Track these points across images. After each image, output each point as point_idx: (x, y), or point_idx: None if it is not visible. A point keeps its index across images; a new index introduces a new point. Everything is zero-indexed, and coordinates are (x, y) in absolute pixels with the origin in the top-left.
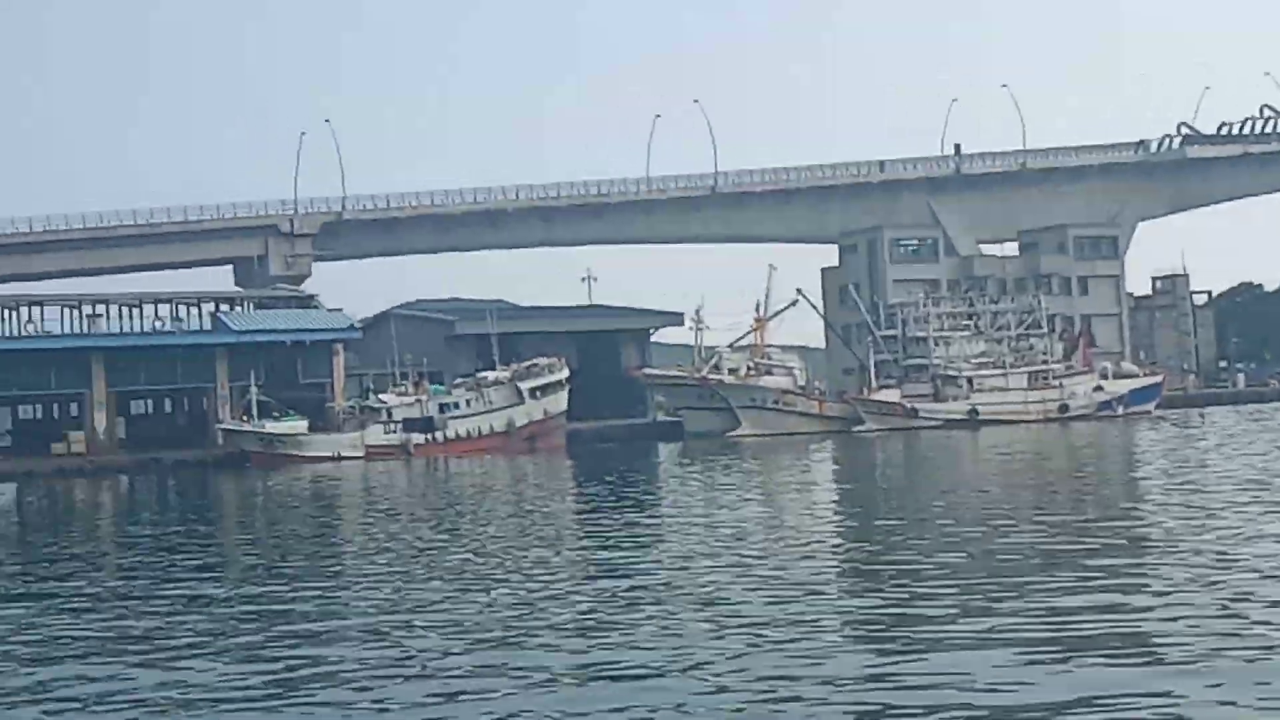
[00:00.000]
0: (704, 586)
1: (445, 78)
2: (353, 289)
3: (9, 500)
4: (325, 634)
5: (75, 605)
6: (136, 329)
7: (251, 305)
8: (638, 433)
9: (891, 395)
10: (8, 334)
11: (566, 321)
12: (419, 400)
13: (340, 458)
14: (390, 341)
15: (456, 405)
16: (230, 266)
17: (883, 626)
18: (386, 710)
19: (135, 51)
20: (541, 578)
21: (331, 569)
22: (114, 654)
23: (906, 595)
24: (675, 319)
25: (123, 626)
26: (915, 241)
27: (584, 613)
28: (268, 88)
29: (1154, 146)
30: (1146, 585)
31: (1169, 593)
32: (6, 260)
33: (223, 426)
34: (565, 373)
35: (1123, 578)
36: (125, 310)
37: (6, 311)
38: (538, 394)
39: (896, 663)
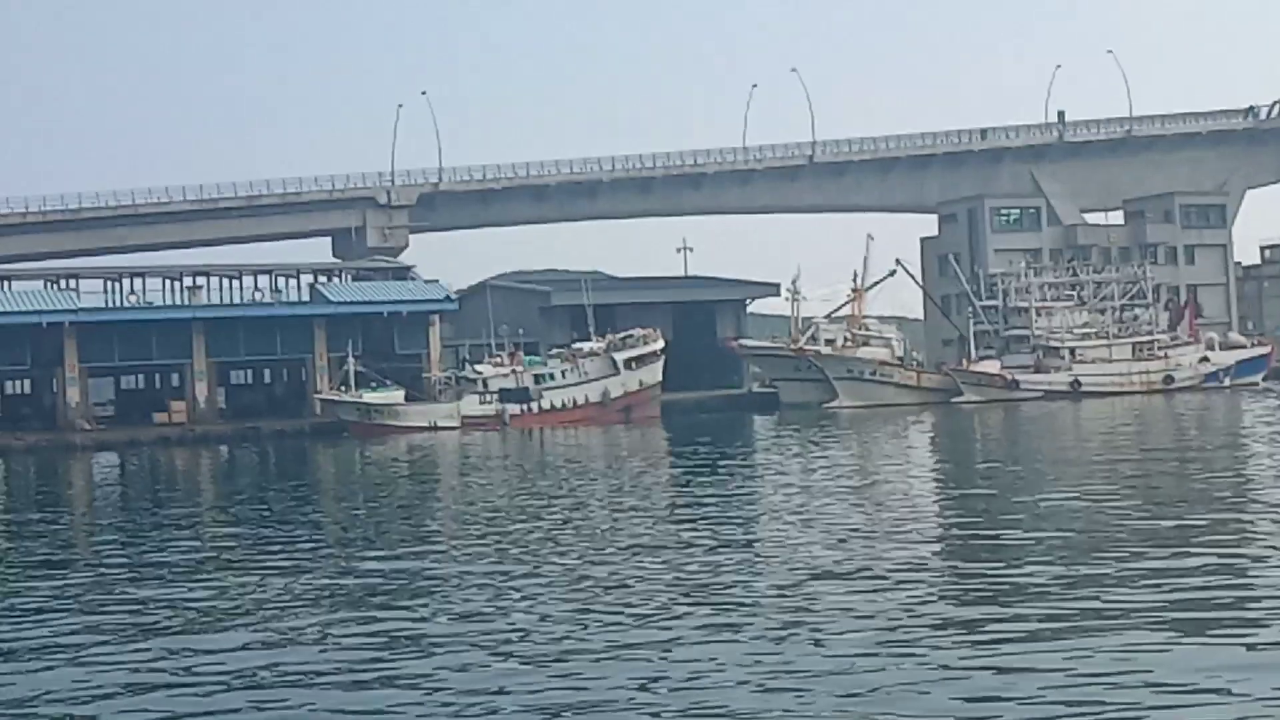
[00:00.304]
0: (799, 559)
1: (541, 48)
2: (449, 260)
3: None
4: (422, 604)
5: (174, 572)
6: (237, 300)
7: (349, 276)
8: (733, 404)
9: (991, 366)
10: (111, 305)
11: (662, 292)
12: (514, 371)
13: (436, 428)
14: (486, 312)
15: (552, 376)
16: (329, 238)
17: (983, 601)
18: (501, 680)
19: (234, 24)
20: (636, 547)
21: (428, 538)
22: (214, 623)
23: (1006, 569)
24: (771, 290)
25: (224, 593)
26: (1017, 210)
27: (673, 582)
28: (366, 60)
29: (1263, 113)
30: (1258, 558)
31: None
32: (111, 233)
33: (320, 396)
34: (660, 344)
35: (1229, 550)
36: (226, 282)
37: (110, 283)
38: (633, 365)
39: (998, 640)
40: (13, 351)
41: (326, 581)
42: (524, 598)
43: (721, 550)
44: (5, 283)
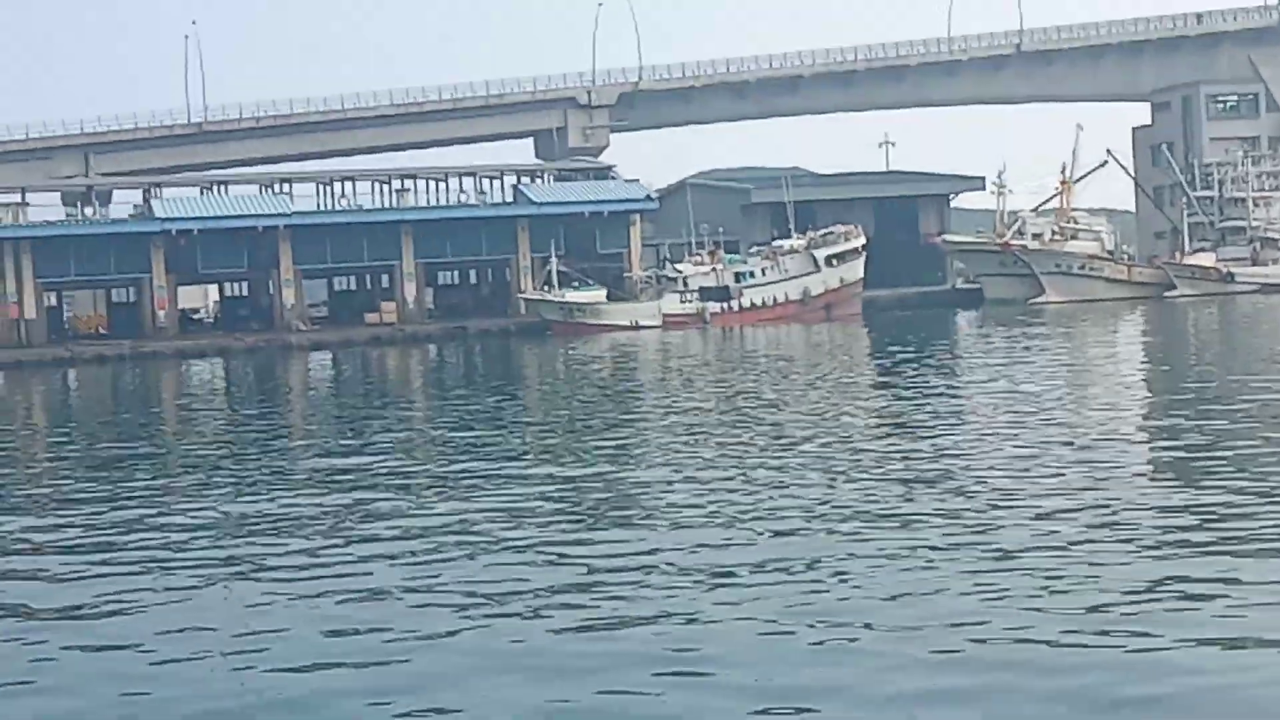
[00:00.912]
0: (1002, 470)
1: None
2: (649, 159)
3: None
4: (631, 512)
5: (388, 485)
6: (442, 202)
7: (551, 177)
8: (936, 300)
9: (1206, 259)
10: (323, 208)
11: (863, 188)
12: (715, 269)
13: (638, 326)
14: (686, 211)
15: (752, 274)
16: (531, 139)
17: (1202, 523)
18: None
19: None
20: (838, 456)
21: (633, 436)
22: (425, 530)
23: (1229, 486)
24: (976, 183)
25: (428, 496)
26: (1234, 97)
27: (870, 496)
28: None
29: None
30: None
31: None
32: (321, 137)
33: (524, 296)
34: (862, 240)
35: None
36: (432, 184)
37: (321, 187)
38: (834, 262)
39: (1215, 566)
40: (231, 255)
41: (530, 491)
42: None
43: (926, 459)
44: (223, 187)
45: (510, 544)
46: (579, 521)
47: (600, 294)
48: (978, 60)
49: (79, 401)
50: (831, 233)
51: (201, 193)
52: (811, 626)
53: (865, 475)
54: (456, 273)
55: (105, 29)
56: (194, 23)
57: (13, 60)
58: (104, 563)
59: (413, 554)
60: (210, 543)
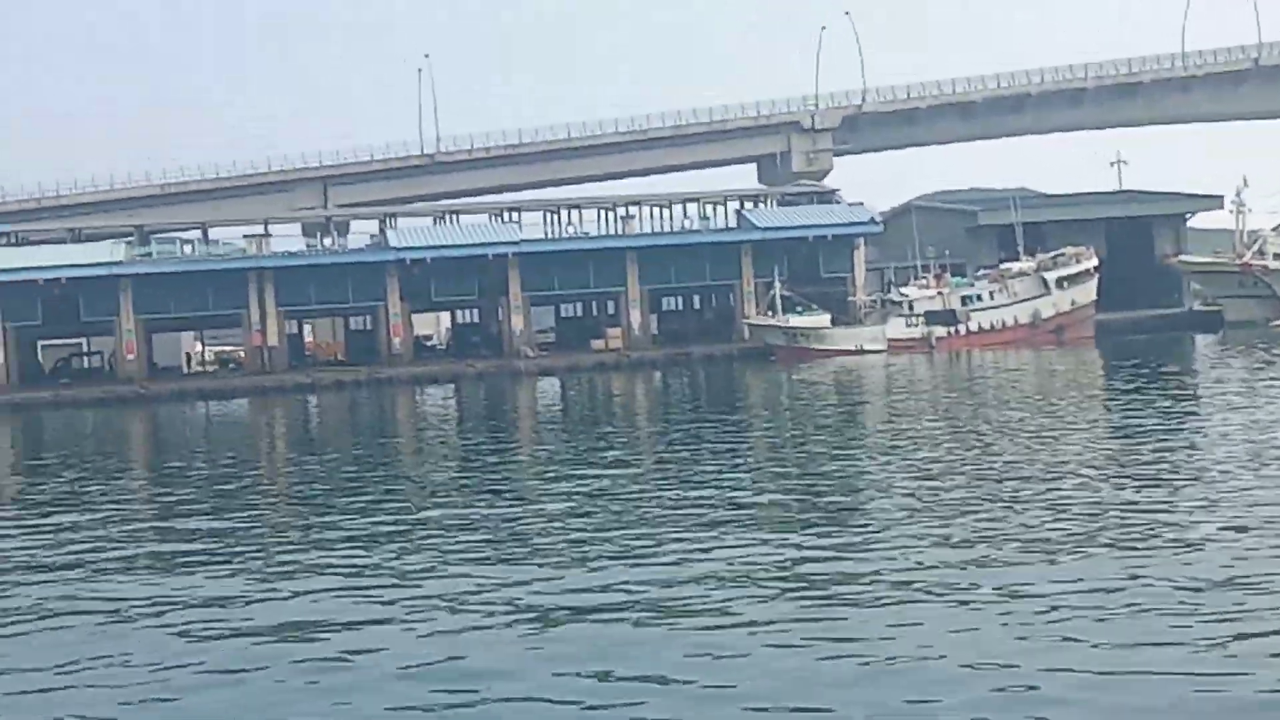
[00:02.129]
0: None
1: None
2: (873, 182)
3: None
4: (852, 537)
5: (615, 491)
6: (667, 228)
7: (774, 202)
8: (1172, 323)
9: None
10: (550, 236)
11: (1095, 208)
12: (941, 293)
13: (862, 351)
14: (911, 234)
15: (979, 297)
16: (754, 164)
17: None
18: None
19: None
20: (1067, 481)
21: (853, 460)
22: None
23: None
24: (1214, 202)
25: (643, 510)
26: None
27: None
28: None
29: None
30: None
31: None
32: (549, 166)
33: (748, 321)
34: (1094, 261)
35: None
36: (656, 210)
37: (549, 215)
38: (1064, 284)
39: None
40: (462, 282)
41: (748, 499)
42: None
43: (1164, 486)
44: (455, 217)
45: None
46: (803, 547)
47: (824, 319)
48: (1213, 76)
49: (319, 425)
50: (1062, 254)
51: (434, 222)
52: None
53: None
54: (680, 298)
55: (342, 65)
56: (426, 56)
57: (257, 97)
58: (346, 587)
59: (653, 565)
60: (464, 561)
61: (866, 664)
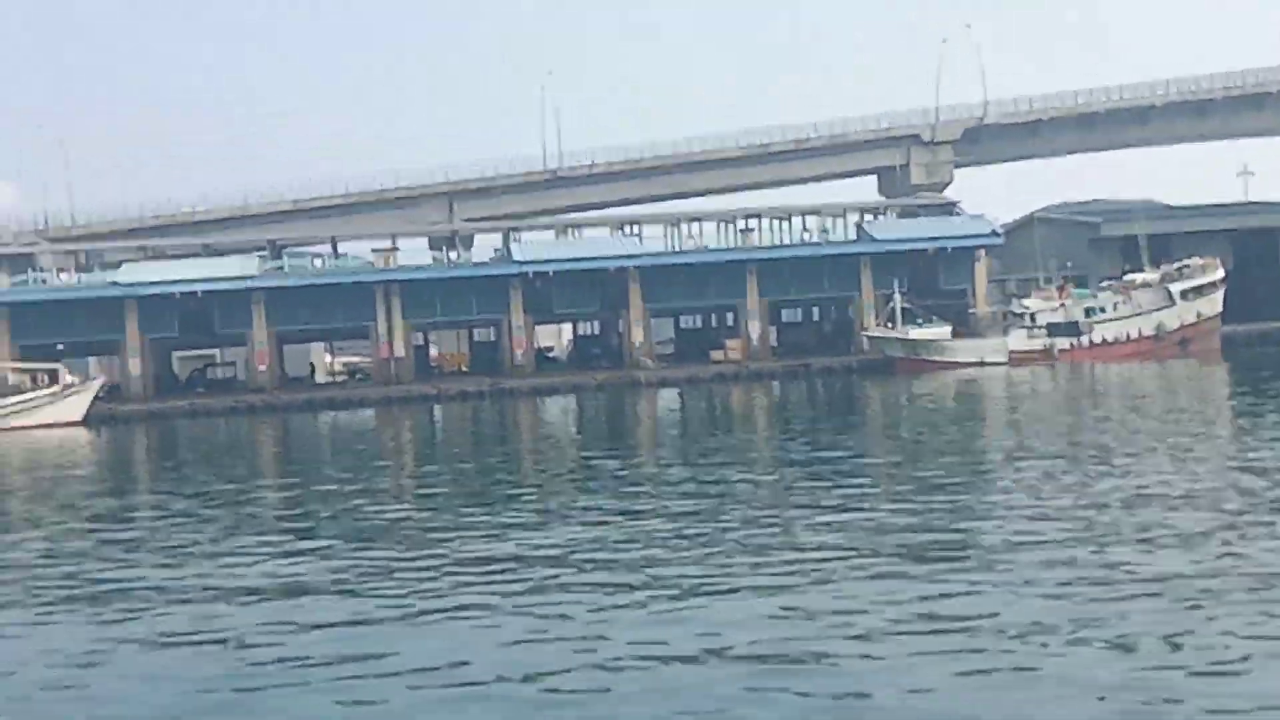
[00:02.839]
0: None
1: None
2: (994, 194)
3: (674, 400)
4: (968, 547)
5: (731, 498)
6: (786, 241)
7: (894, 214)
8: None
9: None
10: (671, 249)
11: (1221, 219)
12: (1063, 305)
13: (983, 363)
14: (1033, 245)
15: (1102, 309)
16: (874, 176)
17: None
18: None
19: None
20: (1202, 500)
21: (979, 475)
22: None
23: None
24: None
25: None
26: None
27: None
28: None
29: None
30: None
31: None
32: (669, 180)
33: (867, 333)
34: (1220, 273)
35: None
36: (776, 223)
37: (669, 228)
38: (1189, 296)
39: None
40: (584, 295)
41: (867, 518)
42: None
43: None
44: (577, 230)
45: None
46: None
47: (945, 331)
48: None
49: (444, 435)
50: (1187, 266)
51: (556, 235)
52: None
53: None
54: (800, 310)
55: (466, 79)
56: (550, 73)
57: (386, 113)
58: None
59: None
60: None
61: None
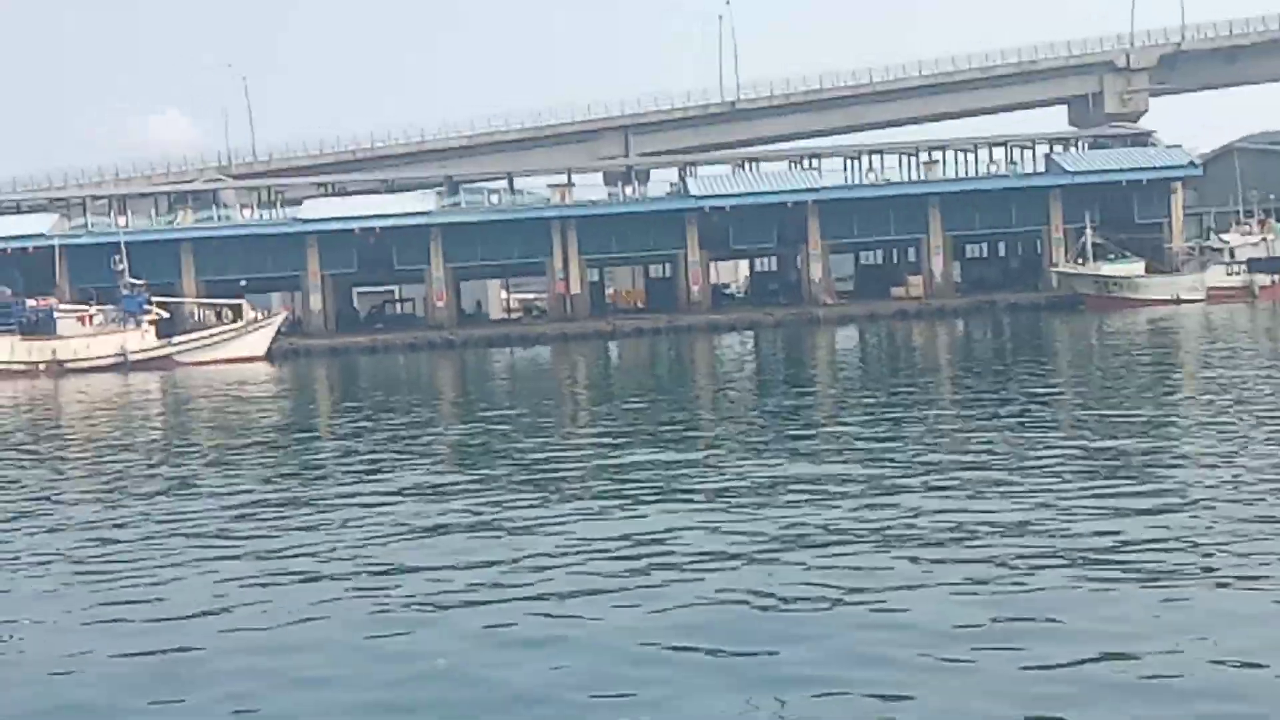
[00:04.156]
0: None
1: None
2: (1192, 123)
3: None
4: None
5: (900, 438)
6: (972, 174)
7: (1085, 145)
8: None
9: None
10: (850, 183)
11: None
12: (1264, 239)
13: (1179, 301)
14: (1233, 177)
15: None
16: (1064, 106)
17: None
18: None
19: None
20: None
21: (1168, 419)
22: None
23: None
24: None
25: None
26: None
27: None
28: None
29: None
30: None
31: None
32: (850, 111)
33: (1056, 269)
34: None
35: None
36: (961, 155)
37: (849, 161)
38: None
39: None
40: (761, 230)
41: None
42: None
43: None
44: (754, 165)
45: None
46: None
47: (1138, 266)
48: None
49: (618, 371)
50: None
51: (733, 170)
52: None
53: None
54: (985, 245)
55: (645, 11)
56: (728, 3)
57: (564, 45)
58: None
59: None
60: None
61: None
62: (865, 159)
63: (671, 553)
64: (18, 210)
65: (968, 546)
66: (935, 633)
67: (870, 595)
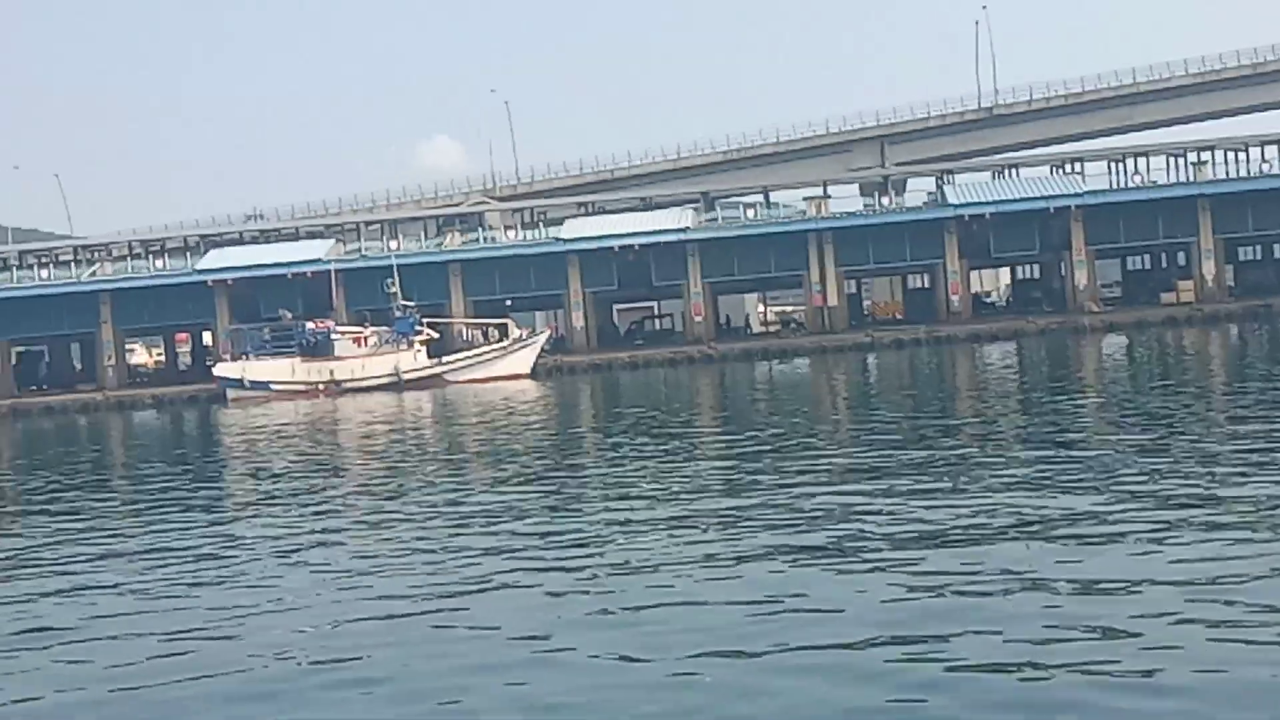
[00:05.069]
0: None
1: None
2: None
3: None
4: None
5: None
6: (1243, 173)
7: None
8: None
9: None
10: (1115, 186)
11: None
12: None
13: None
14: None
15: None
16: None
17: None
18: None
19: None
20: None
21: None
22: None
23: None
24: None
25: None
26: None
27: None
28: None
29: None
30: None
31: None
32: (1111, 114)
33: None
34: None
35: None
36: (1232, 155)
37: (1113, 164)
38: None
39: None
40: (1022, 237)
41: None
42: None
43: None
44: (1013, 170)
45: None
46: None
47: None
48: None
49: (878, 384)
50: None
51: (993, 176)
52: None
53: None
54: (1259, 248)
55: (894, 21)
56: (984, 7)
57: (816, 60)
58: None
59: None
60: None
61: None
62: (1130, 161)
63: None
64: (296, 236)
65: None
66: None
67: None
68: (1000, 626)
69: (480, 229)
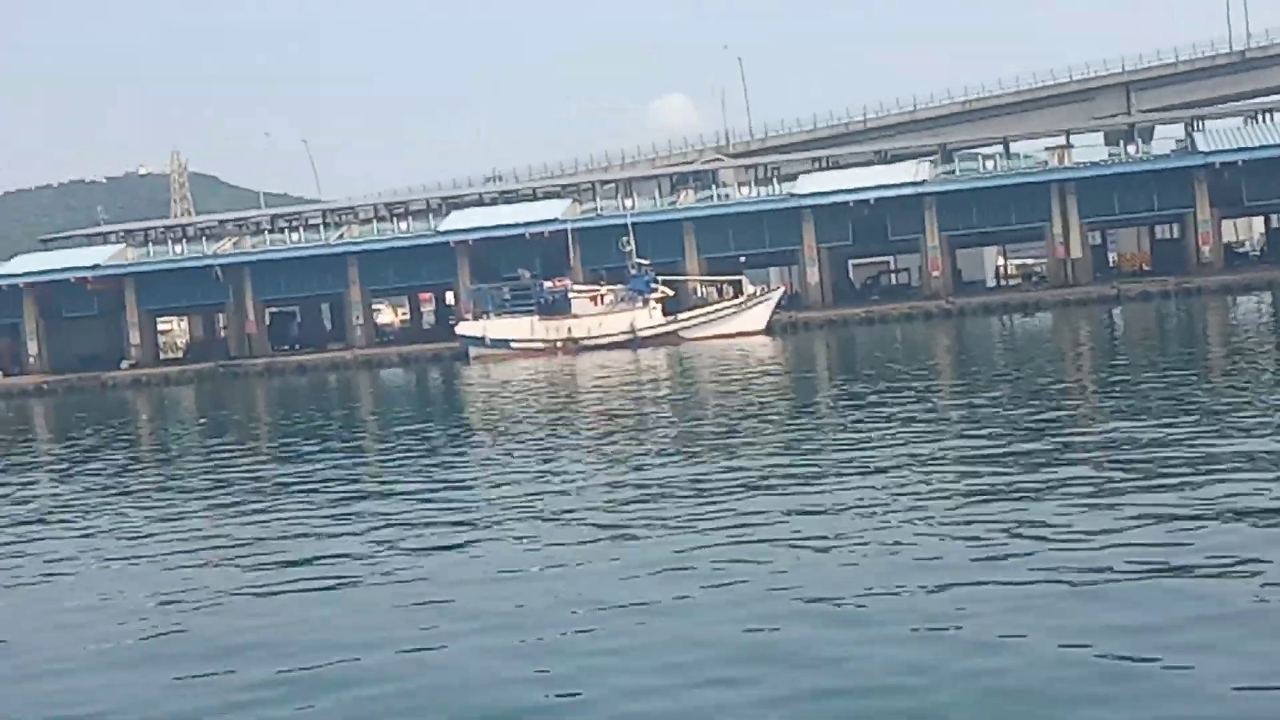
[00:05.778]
0: None
1: None
2: None
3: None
4: None
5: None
6: None
7: None
8: None
9: None
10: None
11: None
12: None
13: None
14: None
15: None
16: None
17: None
18: None
19: None
20: None
21: None
22: None
23: None
24: None
25: None
26: None
27: None
28: None
29: None
30: None
31: None
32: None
33: None
34: None
35: None
36: None
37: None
38: None
39: None
40: (1278, 185)
41: None
42: None
43: None
44: (1269, 115)
45: None
46: None
47: None
48: None
49: (1124, 338)
50: None
51: (1245, 122)
52: None
53: None
54: None
55: None
56: None
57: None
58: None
59: None
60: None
61: None
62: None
63: None
64: (534, 196)
65: None
66: None
67: None
68: None
69: (714, 186)
